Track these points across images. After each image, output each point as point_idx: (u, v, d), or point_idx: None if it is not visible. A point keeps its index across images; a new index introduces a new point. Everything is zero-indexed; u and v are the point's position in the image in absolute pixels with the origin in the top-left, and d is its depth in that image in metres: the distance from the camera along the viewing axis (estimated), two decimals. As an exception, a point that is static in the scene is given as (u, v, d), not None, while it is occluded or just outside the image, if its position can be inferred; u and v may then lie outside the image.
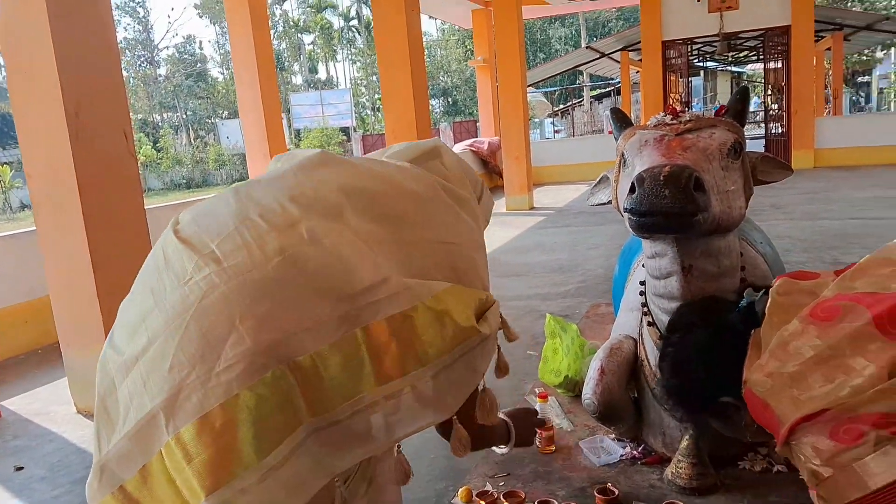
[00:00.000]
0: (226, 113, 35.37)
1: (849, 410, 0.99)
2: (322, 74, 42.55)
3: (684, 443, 1.92)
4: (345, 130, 29.28)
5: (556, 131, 25.71)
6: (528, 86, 15.40)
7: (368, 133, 29.46)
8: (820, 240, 5.99)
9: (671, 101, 12.26)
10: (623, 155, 1.89)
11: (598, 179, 2.18)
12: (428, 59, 36.80)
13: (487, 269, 1.20)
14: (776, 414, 1.09)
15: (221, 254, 0.97)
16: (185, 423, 0.87)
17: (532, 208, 9.98)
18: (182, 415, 0.88)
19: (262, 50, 7.19)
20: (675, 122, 1.86)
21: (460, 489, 1.92)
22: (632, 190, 1.64)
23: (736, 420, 1.23)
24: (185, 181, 26.98)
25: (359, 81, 39.31)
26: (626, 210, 1.70)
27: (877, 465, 0.95)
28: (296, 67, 41.15)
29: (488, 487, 1.93)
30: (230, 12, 7.10)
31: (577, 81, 29.55)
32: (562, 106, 29.65)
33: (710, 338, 1.29)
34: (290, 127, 29.81)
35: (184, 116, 36.85)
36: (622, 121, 2.03)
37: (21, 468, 2.90)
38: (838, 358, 1.03)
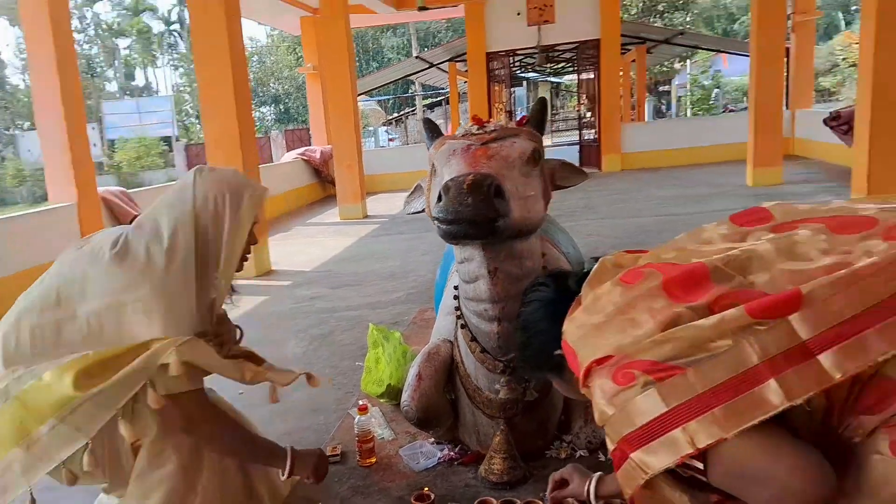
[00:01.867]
0: (27, 124, 31.91)
1: (628, 357, 1.10)
2: (140, 81, 39.74)
3: (496, 439, 1.99)
4: (167, 140, 27.52)
5: (390, 140, 25.95)
6: (361, 94, 15.40)
7: (193, 143, 27.87)
8: (626, 236, 6.54)
9: (496, 111, 12.84)
10: (433, 164, 1.93)
11: (413, 188, 2.21)
12: (258, 66, 35.62)
13: (162, 307, 1.62)
14: (579, 360, 1.18)
15: None
16: None
17: (366, 217, 9.98)
18: None
19: (63, 52, 6.55)
20: (480, 131, 1.93)
21: (273, 515, 1.84)
22: (439, 199, 1.67)
23: (569, 374, 1.32)
24: (-22, 201, 24.02)
25: (182, 88, 37.16)
26: (434, 218, 1.73)
27: (642, 404, 1.05)
28: (110, 73, 38.10)
29: (304, 509, 1.88)
30: (25, 10, 6.40)
31: (410, 90, 30.07)
32: (395, 114, 30.02)
33: (554, 299, 1.37)
34: (102, 138, 27.48)
35: (-23, 128, 32.74)
36: (433, 131, 2.07)
37: None
38: (630, 313, 1.15)
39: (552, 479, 1.75)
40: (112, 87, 38.28)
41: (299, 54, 29.65)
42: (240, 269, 1.82)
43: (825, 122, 8.38)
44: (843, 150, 8.62)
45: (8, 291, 6.09)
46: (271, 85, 36.04)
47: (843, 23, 27.37)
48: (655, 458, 1.04)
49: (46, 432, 1.57)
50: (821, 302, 0.99)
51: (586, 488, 1.63)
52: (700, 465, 1.04)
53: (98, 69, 36.52)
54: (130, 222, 6.59)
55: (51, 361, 1.61)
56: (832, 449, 1.04)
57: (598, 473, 1.64)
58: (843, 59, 25.38)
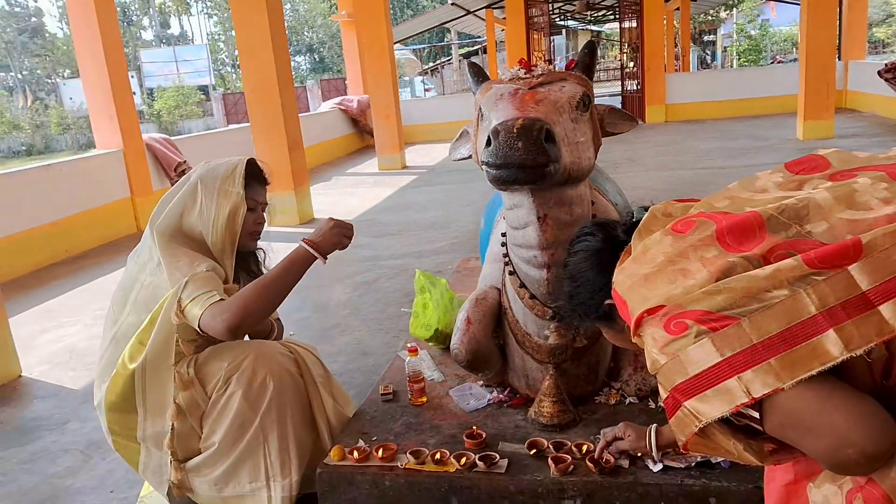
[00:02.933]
0: (68, 72, 32.27)
1: (679, 307, 1.08)
2: (175, 29, 39.74)
3: (545, 383, 2.03)
4: (203, 89, 27.62)
5: (426, 90, 25.69)
6: (396, 42, 15.21)
7: (230, 91, 27.91)
8: (671, 189, 6.45)
9: (535, 59, 12.57)
10: (480, 109, 1.91)
11: (458, 134, 2.20)
12: (291, 14, 35.31)
13: (182, 267, 1.84)
14: (630, 309, 1.18)
15: None
16: None
17: (405, 167, 9.99)
18: None
19: (103, 1, 6.60)
20: (528, 76, 1.90)
21: (332, 449, 1.92)
22: (488, 143, 1.66)
23: (619, 323, 1.32)
24: (24, 148, 24.56)
25: (217, 36, 37.06)
26: (483, 163, 1.73)
27: (695, 354, 1.05)
28: (145, 22, 38.16)
29: (361, 444, 1.95)
30: (63, -42, 6.44)
31: (446, 39, 29.57)
32: (431, 64, 29.62)
33: (601, 248, 1.37)
34: (141, 86, 27.69)
35: (19, 76, 33.25)
36: (479, 74, 2.04)
37: None
38: (681, 263, 1.13)
39: (604, 436, 1.76)
40: (147, 35, 38.41)
41: (333, 2, 29.23)
42: (252, 246, 2.08)
43: (880, 73, 8.06)
44: (899, 103, 8.30)
45: (62, 232, 6.30)
46: (305, 34, 35.78)
47: (901, -32, 25.94)
48: (709, 407, 1.04)
49: (144, 416, 1.91)
50: (881, 251, 0.97)
51: (647, 440, 1.65)
52: (755, 415, 1.04)
53: (133, 17, 36.61)
54: (175, 169, 6.77)
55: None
56: (892, 402, 1.02)
57: (654, 425, 1.66)
58: (901, 7, 24.16)
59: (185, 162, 7.62)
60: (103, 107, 6.85)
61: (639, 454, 1.78)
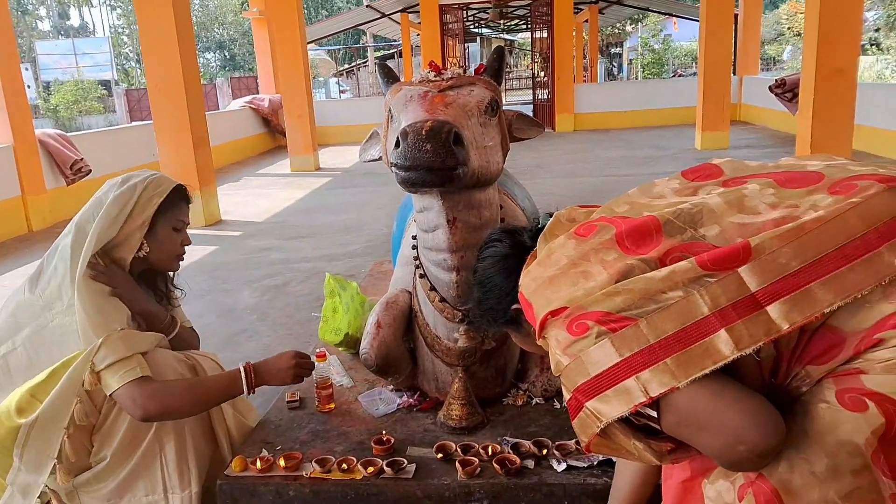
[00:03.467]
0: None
1: (581, 308, 1.10)
2: (75, 20, 37.61)
3: (454, 386, 2.03)
4: (105, 84, 26.24)
5: (341, 91, 25.42)
6: (310, 42, 14.96)
7: (134, 87, 26.65)
8: (578, 195, 6.64)
9: (450, 65, 12.65)
10: (390, 110, 1.90)
11: (369, 136, 2.18)
12: (200, 9, 34.10)
13: (78, 320, 1.71)
14: (535, 311, 1.19)
15: None
16: None
17: (318, 169, 9.83)
18: None
19: (-10, -14, 6.16)
20: (438, 78, 1.91)
21: (233, 460, 1.85)
22: (397, 144, 1.65)
23: (526, 327, 1.33)
24: None
25: (120, 30, 35.30)
26: (392, 164, 1.71)
27: (595, 354, 1.07)
28: (42, 12, 35.92)
29: (264, 453, 1.89)
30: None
31: (362, 41, 29.37)
32: (346, 66, 29.34)
33: (508, 254, 1.38)
34: (36, 79, 26.02)
35: None
36: (389, 76, 2.03)
37: None
38: (583, 265, 1.15)
39: None
40: (44, 26, 36.18)
41: (245, -2, 28.48)
42: (175, 267, 1.99)
43: (771, 88, 8.59)
44: (787, 117, 8.89)
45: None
46: (215, 30, 34.64)
47: (790, -8, 27.87)
48: (609, 407, 1.06)
49: (19, 465, 1.74)
50: (769, 254, 1.02)
51: None
52: (654, 414, 1.06)
53: (29, 6, 34.40)
54: (71, 167, 6.37)
55: (7, 394, 1.75)
56: (779, 399, 1.07)
57: None
58: (789, 27, 25.94)
59: (82, 160, 7.20)
60: (-9, 100, 6.40)
61: (544, 452, 1.81)
